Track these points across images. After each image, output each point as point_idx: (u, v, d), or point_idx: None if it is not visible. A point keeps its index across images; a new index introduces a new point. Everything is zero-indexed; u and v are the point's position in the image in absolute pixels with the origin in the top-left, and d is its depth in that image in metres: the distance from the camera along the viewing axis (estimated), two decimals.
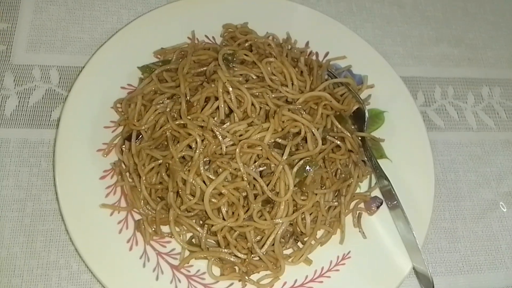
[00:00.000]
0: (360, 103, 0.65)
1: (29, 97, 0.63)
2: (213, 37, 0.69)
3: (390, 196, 0.60)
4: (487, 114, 0.76)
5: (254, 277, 0.55)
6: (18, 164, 0.59)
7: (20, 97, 0.63)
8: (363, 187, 0.63)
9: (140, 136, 0.58)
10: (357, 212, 0.61)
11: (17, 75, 0.64)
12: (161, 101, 0.59)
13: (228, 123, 0.57)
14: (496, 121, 0.75)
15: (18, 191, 0.58)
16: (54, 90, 0.64)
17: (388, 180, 0.60)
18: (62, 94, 0.64)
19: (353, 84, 0.66)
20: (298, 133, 0.58)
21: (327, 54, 0.70)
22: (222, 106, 0.57)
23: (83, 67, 0.62)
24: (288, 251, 0.57)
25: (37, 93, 0.64)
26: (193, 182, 0.54)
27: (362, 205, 0.61)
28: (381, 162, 0.63)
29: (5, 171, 0.59)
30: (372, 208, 0.61)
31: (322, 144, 0.58)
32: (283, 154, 0.56)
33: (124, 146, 0.58)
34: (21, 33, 0.67)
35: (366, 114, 0.64)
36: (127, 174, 0.58)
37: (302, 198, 0.56)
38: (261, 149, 0.56)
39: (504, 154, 0.73)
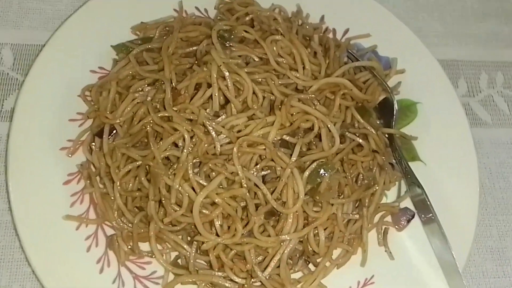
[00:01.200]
0: (387, 92, 0.65)
1: None
2: (205, 10, 0.69)
3: (423, 208, 0.61)
4: None
5: None
6: None
7: None
8: (390, 196, 0.63)
9: (114, 132, 0.58)
10: (383, 227, 0.61)
11: None
12: (140, 88, 0.59)
13: (223, 116, 0.57)
14: None
15: None
16: (7, 73, 0.64)
17: (422, 188, 0.61)
18: (17, 79, 0.64)
19: (379, 68, 0.66)
20: (311, 129, 0.59)
21: (347, 31, 0.71)
22: (216, 95, 0.57)
23: (44, 45, 0.62)
24: (297, 275, 0.58)
25: None
26: (180, 188, 0.54)
27: (388, 218, 0.62)
28: (413, 165, 0.63)
29: None
30: (401, 223, 0.61)
31: (340, 143, 0.58)
32: (291, 155, 0.56)
33: (94, 144, 0.58)
34: None
35: (395, 106, 0.65)
36: (98, 178, 0.58)
37: (314, 209, 0.57)
38: (265, 149, 0.56)
39: None
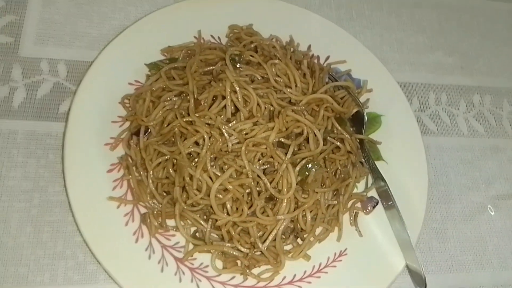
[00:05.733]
0: (359, 106, 0.67)
1: (37, 90, 0.64)
2: (218, 37, 0.71)
3: (386, 197, 0.62)
4: (478, 121, 0.79)
5: (255, 271, 0.56)
6: (25, 155, 0.60)
7: (28, 90, 0.64)
8: (360, 187, 0.65)
9: (148, 132, 0.59)
10: (354, 211, 0.62)
11: (25, 67, 0.64)
12: (169, 98, 0.60)
13: (234, 122, 0.58)
14: (486, 128, 0.79)
15: (25, 182, 0.59)
16: (62, 83, 0.65)
17: (385, 181, 0.62)
18: (70, 88, 0.65)
19: (352, 87, 0.68)
20: (301, 133, 0.60)
21: (328, 58, 0.72)
22: (229, 105, 0.58)
23: (92, 62, 0.63)
24: (288, 247, 0.59)
25: (45, 86, 0.64)
26: (200, 177, 0.55)
27: (359, 204, 0.63)
28: (377, 164, 0.65)
29: (12, 162, 0.59)
30: (368, 208, 0.62)
31: (323, 145, 0.60)
32: (286, 153, 0.57)
33: (131, 140, 0.59)
34: (29, 26, 0.67)
35: (365, 117, 0.66)
36: (134, 168, 0.58)
37: (303, 196, 0.58)
38: (266, 148, 0.57)
39: (493, 159, 0.76)
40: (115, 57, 0.64)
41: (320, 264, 0.59)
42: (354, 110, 0.67)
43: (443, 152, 0.75)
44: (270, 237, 0.56)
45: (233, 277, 0.56)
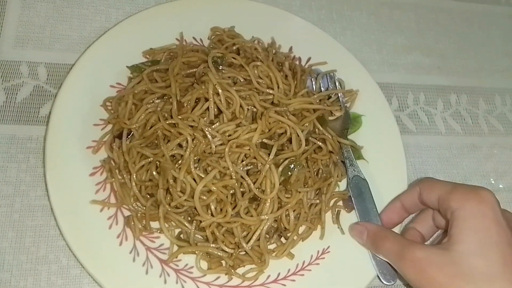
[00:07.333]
0: (344, 109, 0.68)
1: (16, 93, 0.63)
2: (200, 39, 0.71)
3: None
4: (455, 120, 0.81)
5: (240, 270, 0.57)
6: (6, 159, 0.59)
7: (8, 93, 0.63)
8: (341, 186, 0.65)
9: (131, 134, 0.59)
10: (336, 209, 0.63)
11: (5, 71, 0.63)
12: (151, 101, 0.60)
13: (217, 124, 0.58)
14: (463, 126, 0.81)
15: (6, 187, 0.58)
16: (42, 87, 0.64)
17: (365, 179, 0.64)
18: (50, 91, 0.64)
19: (345, 94, 0.70)
20: (284, 134, 0.60)
21: (309, 59, 0.72)
22: (212, 107, 0.58)
23: (73, 65, 0.62)
24: (272, 246, 0.59)
25: (25, 89, 0.63)
26: (184, 179, 0.55)
27: (340, 203, 0.64)
28: (358, 162, 0.66)
29: None
30: (350, 206, 0.63)
31: (305, 145, 0.60)
32: (269, 154, 0.57)
33: (114, 143, 0.58)
34: (8, 29, 0.65)
35: (350, 119, 0.68)
36: (117, 171, 0.58)
37: (286, 195, 0.58)
38: (249, 149, 0.57)
39: (470, 157, 0.78)
40: (96, 60, 0.63)
41: (303, 262, 0.59)
42: (339, 114, 0.68)
43: (421, 150, 0.76)
44: (254, 237, 0.56)
45: (218, 277, 0.56)
